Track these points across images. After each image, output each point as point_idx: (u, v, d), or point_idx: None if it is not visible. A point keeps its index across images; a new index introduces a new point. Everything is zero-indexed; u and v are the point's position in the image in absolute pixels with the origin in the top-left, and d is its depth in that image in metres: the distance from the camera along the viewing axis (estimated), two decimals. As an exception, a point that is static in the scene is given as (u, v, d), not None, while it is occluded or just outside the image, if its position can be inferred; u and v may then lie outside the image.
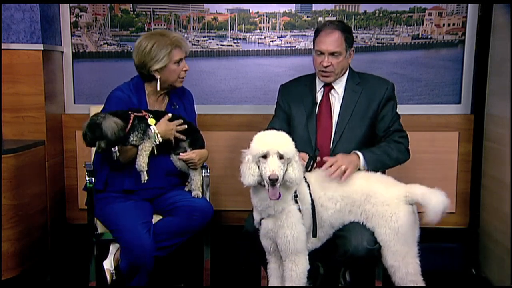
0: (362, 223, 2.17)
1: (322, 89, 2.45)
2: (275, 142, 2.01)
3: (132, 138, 2.35)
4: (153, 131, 2.37)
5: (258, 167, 2.02)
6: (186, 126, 2.47)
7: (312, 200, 2.13)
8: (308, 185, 2.15)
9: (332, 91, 2.43)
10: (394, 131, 2.42)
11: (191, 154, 2.47)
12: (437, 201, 2.03)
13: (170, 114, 2.46)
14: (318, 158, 2.28)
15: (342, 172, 2.15)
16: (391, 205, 2.12)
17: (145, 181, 2.39)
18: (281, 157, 1.99)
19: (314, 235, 2.14)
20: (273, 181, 1.95)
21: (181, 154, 2.47)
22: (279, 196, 2.02)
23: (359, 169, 2.25)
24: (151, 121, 2.38)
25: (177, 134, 2.46)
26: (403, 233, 2.10)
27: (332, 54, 2.33)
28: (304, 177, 2.16)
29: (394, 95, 2.47)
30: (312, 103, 2.44)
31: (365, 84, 2.42)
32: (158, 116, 2.43)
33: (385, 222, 2.11)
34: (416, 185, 2.16)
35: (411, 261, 2.11)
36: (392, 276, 2.14)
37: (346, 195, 2.16)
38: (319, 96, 2.46)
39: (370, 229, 2.15)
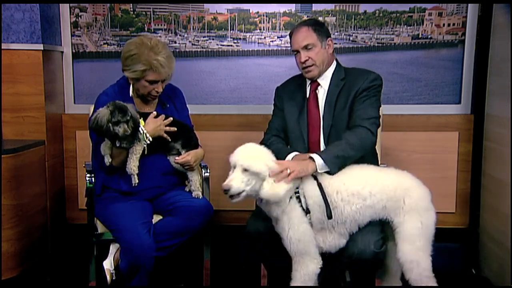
0: (386, 220, 2.13)
1: (310, 86, 2.46)
2: (242, 155, 2.04)
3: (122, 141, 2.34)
4: (141, 131, 2.35)
5: None
6: (171, 119, 2.44)
7: (320, 185, 2.10)
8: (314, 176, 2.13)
9: (319, 87, 2.44)
10: (363, 119, 2.27)
11: (187, 157, 2.45)
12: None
13: (155, 112, 2.43)
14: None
15: (285, 176, 2.06)
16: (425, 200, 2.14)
17: (136, 185, 2.39)
18: (245, 170, 2.01)
19: (329, 217, 2.09)
20: (225, 191, 2.00)
21: (176, 158, 2.47)
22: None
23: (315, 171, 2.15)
24: (140, 122, 2.36)
25: (167, 129, 2.42)
26: (431, 228, 2.12)
27: (305, 48, 2.35)
28: None
29: (376, 86, 2.34)
30: (303, 99, 2.46)
31: (348, 78, 2.40)
32: (146, 118, 2.41)
33: (419, 217, 2.10)
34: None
35: (428, 257, 2.11)
36: (408, 272, 2.09)
37: (379, 191, 2.11)
38: (308, 93, 2.47)
39: (397, 225, 2.11)
